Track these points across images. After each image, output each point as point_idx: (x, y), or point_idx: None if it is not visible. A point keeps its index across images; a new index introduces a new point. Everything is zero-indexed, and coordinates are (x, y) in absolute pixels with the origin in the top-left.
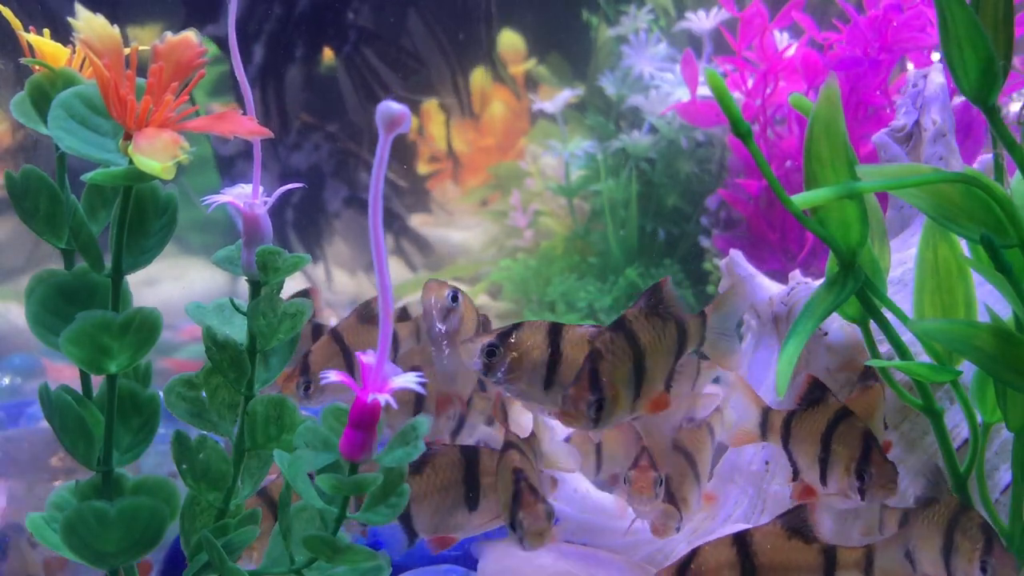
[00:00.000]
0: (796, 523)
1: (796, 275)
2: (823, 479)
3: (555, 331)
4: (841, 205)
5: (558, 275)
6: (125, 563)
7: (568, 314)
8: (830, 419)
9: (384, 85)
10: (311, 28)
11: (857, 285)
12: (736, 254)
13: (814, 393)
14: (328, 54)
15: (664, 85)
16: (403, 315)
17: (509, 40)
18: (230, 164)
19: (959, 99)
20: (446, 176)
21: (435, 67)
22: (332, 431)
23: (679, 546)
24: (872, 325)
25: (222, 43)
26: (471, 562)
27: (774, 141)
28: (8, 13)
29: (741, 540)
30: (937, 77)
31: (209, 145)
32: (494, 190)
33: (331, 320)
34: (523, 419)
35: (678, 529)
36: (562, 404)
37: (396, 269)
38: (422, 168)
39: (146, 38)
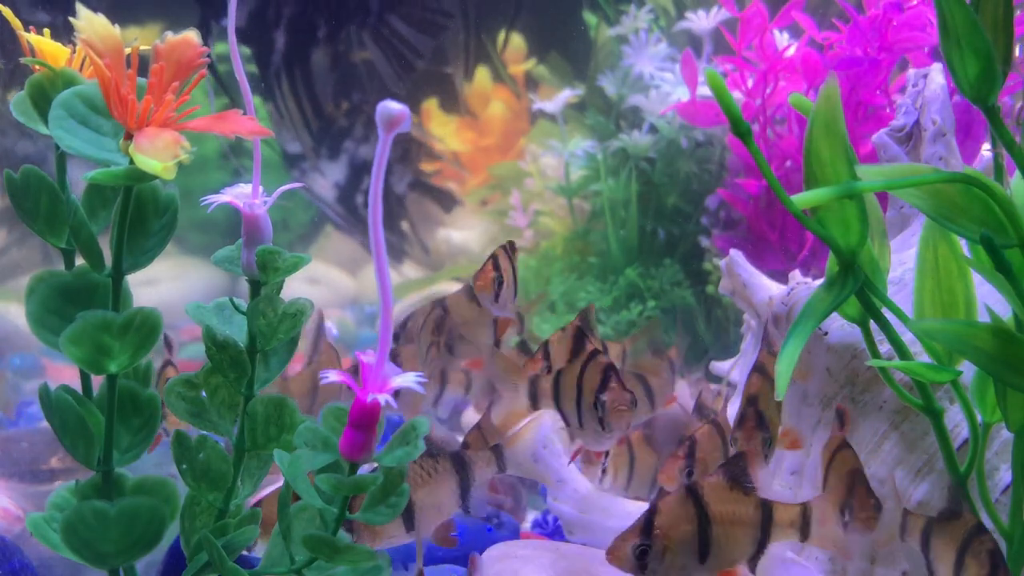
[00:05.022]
0: (735, 473)
1: (796, 275)
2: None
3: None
4: (841, 205)
5: (558, 275)
6: (125, 563)
7: (568, 314)
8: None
9: (415, 50)
10: (331, 4)
11: (857, 285)
12: (736, 254)
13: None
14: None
15: (664, 85)
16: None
17: (509, 40)
18: (297, 162)
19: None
20: (447, 175)
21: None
22: (332, 431)
23: None
24: (872, 325)
25: (241, 35)
26: None
27: (774, 141)
28: (8, 13)
29: (693, 492)
30: (937, 77)
31: (276, 145)
32: (494, 190)
33: (328, 322)
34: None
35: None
36: None
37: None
38: (422, 168)
39: (150, 38)
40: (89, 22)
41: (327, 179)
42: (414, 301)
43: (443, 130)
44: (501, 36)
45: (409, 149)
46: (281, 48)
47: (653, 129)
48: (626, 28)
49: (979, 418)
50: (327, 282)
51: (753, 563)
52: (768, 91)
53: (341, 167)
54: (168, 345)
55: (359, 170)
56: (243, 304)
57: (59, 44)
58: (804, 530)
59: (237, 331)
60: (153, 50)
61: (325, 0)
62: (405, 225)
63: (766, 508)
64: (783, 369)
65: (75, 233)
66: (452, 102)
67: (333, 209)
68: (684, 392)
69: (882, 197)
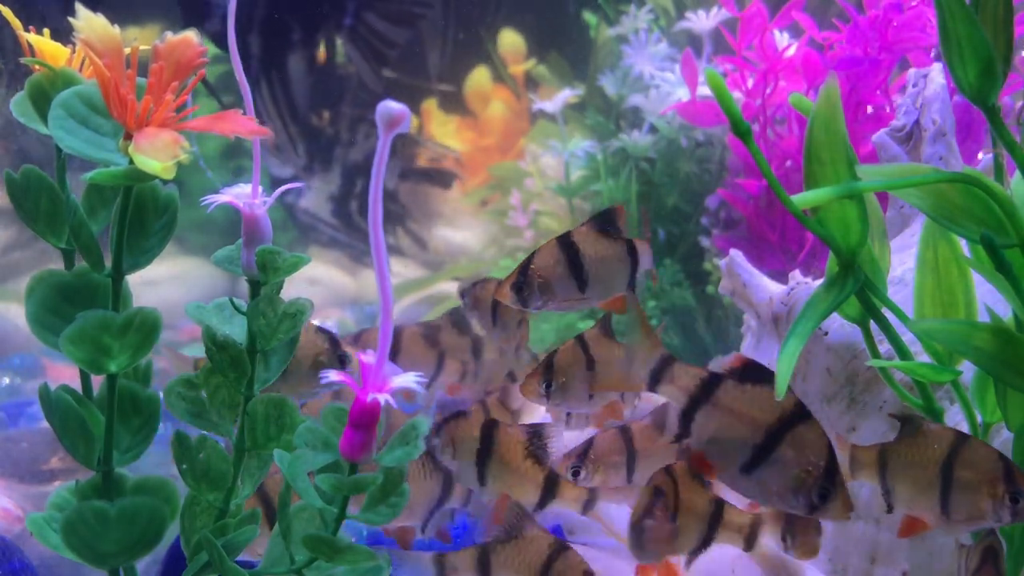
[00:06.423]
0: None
1: (796, 275)
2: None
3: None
4: (841, 205)
5: None
6: (125, 563)
7: (568, 313)
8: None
9: (392, 43)
10: (305, 6)
11: (857, 285)
12: (736, 254)
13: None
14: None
15: (664, 85)
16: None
17: (509, 40)
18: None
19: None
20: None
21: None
22: (332, 431)
23: None
24: (872, 325)
25: (217, 40)
26: None
27: (774, 141)
28: (8, 13)
29: (669, 472)
30: (937, 77)
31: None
32: (494, 190)
33: (328, 322)
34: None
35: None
36: None
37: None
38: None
39: (146, 38)
40: (88, 22)
41: (318, 193)
42: (413, 301)
43: (443, 130)
44: (490, 33)
45: (394, 143)
46: (258, 54)
47: (653, 129)
48: (626, 28)
49: (979, 418)
50: (327, 282)
51: (692, 557)
52: (768, 91)
53: (333, 178)
54: None
55: (350, 178)
56: (243, 304)
57: (59, 44)
58: (750, 540)
59: (237, 331)
60: (152, 50)
61: (306, 4)
62: (402, 225)
63: (718, 507)
64: (783, 369)
65: (75, 233)
66: (449, 102)
67: (328, 224)
68: None
69: (882, 197)
